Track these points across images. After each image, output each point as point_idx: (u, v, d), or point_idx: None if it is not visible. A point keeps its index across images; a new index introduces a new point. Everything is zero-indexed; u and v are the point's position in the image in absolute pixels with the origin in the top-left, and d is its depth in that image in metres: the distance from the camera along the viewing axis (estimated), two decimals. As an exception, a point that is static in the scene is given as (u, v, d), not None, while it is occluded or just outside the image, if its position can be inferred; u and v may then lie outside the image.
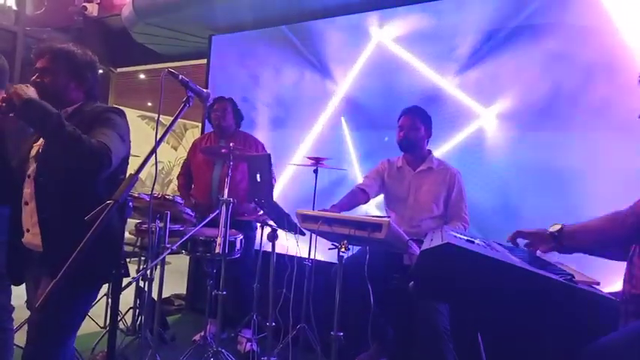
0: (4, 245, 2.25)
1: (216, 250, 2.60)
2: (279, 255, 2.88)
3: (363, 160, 3.60)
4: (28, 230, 1.80)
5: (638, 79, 1.43)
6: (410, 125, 2.80)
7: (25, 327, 2.85)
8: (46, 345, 1.73)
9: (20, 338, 2.56)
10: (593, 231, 1.36)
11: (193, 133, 9.69)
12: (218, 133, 3.53)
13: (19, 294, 2.42)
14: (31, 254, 1.82)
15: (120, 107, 1.89)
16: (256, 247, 3.25)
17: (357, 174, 3.58)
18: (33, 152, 1.83)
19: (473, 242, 1.41)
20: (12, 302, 2.33)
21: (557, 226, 1.38)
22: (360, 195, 2.84)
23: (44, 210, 1.75)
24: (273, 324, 2.83)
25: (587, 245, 1.42)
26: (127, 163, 1.91)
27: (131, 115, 9.62)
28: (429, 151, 2.90)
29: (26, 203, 1.79)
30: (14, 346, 2.38)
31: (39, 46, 1.86)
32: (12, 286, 2.28)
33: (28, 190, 1.78)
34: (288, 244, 3.00)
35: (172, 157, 10.07)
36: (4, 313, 2.29)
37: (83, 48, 1.91)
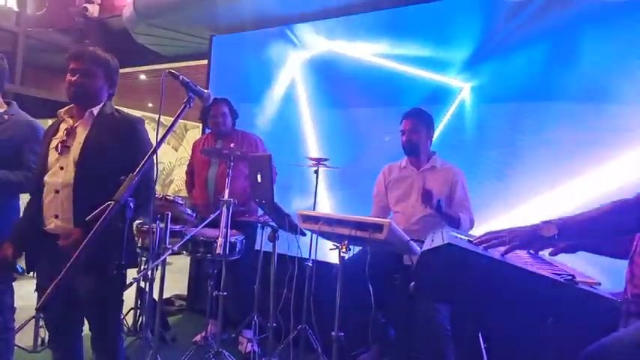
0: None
1: (217, 251, 2.60)
2: (280, 255, 2.88)
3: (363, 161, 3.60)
4: (57, 216, 1.93)
5: None
6: (411, 128, 2.81)
7: (25, 328, 2.87)
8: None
9: (20, 339, 2.57)
10: (594, 222, 1.29)
11: (194, 134, 9.69)
12: (216, 135, 3.53)
13: (20, 295, 2.42)
14: (51, 242, 1.92)
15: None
16: (257, 247, 3.25)
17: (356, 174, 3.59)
18: (53, 144, 1.98)
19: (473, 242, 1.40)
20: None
21: (552, 229, 1.30)
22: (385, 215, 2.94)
23: (79, 197, 1.91)
24: (274, 324, 2.83)
25: (586, 240, 1.39)
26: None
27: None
28: (434, 152, 2.90)
29: (57, 191, 1.93)
30: (14, 347, 2.39)
31: (77, 48, 2.05)
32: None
33: (58, 180, 1.92)
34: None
35: (173, 157, 10.07)
36: (8, 313, 2.31)
37: (110, 53, 2.11)
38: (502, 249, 1.32)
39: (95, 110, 2.00)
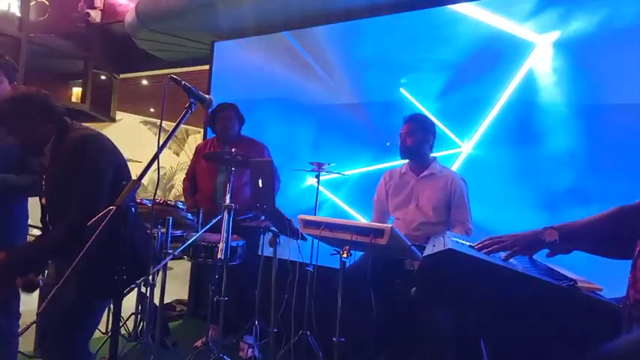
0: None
1: (218, 256, 2.60)
2: (281, 260, 2.87)
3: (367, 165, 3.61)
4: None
5: None
6: (407, 132, 2.83)
7: (27, 333, 2.86)
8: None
9: (20, 343, 2.57)
10: (595, 228, 1.29)
11: (195, 139, 9.72)
12: (222, 139, 3.53)
13: (24, 300, 2.42)
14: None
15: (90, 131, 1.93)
16: (258, 252, 3.25)
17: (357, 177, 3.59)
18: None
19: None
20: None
21: (554, 235, 1.31)
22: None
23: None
24: (275, 330, 2.82)
25: (587, 244, 1.38)
26: (127, 170, 1.94)
27: (134, 120, 9.72)
28: (434, 158, 2.90)
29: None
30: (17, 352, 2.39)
31: None
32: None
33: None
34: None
35: (174, 162, 10.09)
36: (13, 319, 2.32)
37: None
38: (503, 254, 1.32)
39: (49, 147, 1.93)
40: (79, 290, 1.61)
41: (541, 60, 2.99)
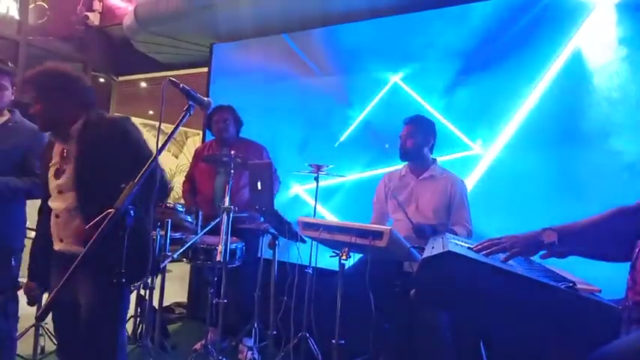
0: (20, 253, 2.32)
1: (217, 258, 2.60)
2: (280, 263, 2.87)
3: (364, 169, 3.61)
4: (61, 240, 1.89)
5: None
6: (406, 134, 2.83)
7: (25, 337, 2.86)
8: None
9: (20, 347, 2.56)
10: (594, 229, 1.29)
11: (194, 141, 9.71)
12: (220, 142, 3.53)
13: (20, 304, 2.42)
14: (59, 259, 1.88)
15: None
16: (257, 254, 3.24)
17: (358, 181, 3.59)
18: (51, 171, 1.91)
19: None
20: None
21: (553, 236, 1.30)
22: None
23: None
24: (274, 332, 2.82)
25: (586, 246, 1.38)
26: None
27: (132, 123, 9.70)
28: (434, 160, 2.90)
29: (57, 216, 1.87)
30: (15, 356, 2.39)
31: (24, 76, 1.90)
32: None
33: (59, 204, 1.86)
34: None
35: (173, 164, 10.08)
36: (12, 322, 2.32)
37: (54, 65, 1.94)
38: (502, 255, 1.32)
39: (77, 127, 1.88)
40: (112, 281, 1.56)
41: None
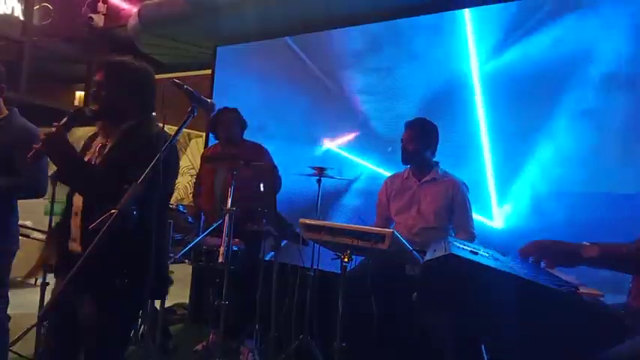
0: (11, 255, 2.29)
1: (219, 260, 2.60)
2: (282, 265, 2.87)
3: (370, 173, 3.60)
4: (75, 240, 1.75)
5: None
6: (407, 138, 2.82)
7: (27, 336, 2.86)
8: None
9: (21, 347, 2.57)
10: (632, 257, 1.31)
11: (197, 143, 9.71)
12: (224, 143, 3.53)
13: (20, 303, 2.43)
14: (70, 260, 1.74)
15: None
16: (259, 256, 3.24)
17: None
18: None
19: (477, 253, 1.40)
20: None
21: (594, 252, 1.29)
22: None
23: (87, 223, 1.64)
24: (276, 334, 2.82)
25: (618, 267, 1.38)
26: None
27: (136, 124, 9.72)
28: (436, 163, 2.90)
29: (76, 214, 1.75)
30: (15, 354, 2.39)
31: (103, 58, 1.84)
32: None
33: (78, 202, 1.74)
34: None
35: (176, 166, 10.09)
36: (2, 304, 2.31)
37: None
38: (512, 262, 1.32)
39: (123, 128, 1.74)
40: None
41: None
